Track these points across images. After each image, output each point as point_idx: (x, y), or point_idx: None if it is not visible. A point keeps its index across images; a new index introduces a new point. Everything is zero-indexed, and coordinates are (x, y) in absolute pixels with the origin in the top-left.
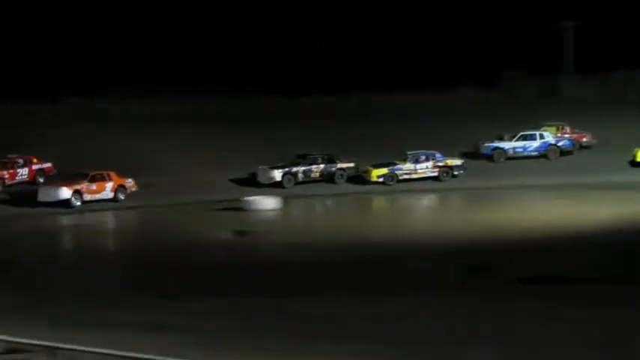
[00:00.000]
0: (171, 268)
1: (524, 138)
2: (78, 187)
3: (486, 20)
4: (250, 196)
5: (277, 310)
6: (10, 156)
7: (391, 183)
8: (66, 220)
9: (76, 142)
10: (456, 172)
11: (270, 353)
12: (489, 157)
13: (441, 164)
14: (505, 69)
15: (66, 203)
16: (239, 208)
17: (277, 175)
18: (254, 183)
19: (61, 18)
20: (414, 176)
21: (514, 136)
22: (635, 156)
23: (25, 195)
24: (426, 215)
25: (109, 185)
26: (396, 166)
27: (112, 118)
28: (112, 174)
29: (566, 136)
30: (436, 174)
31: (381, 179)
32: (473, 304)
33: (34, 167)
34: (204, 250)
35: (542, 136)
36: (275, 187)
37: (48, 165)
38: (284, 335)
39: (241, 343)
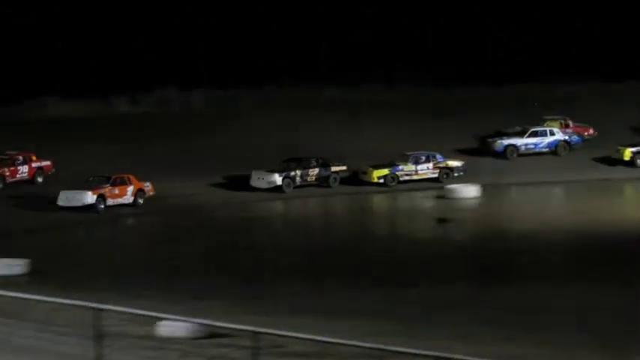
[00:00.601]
0: (372, 255)
1: (535, 134)
2: (102, 191)
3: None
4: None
5: (472, 299)
6: (9, 152)
7: (392, 184)
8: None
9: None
10: (456, 174)
11: (469, 341)
12: (500, 154)
13: (441, 165)
14: None
15: (90, 208)
16: (441, 196)
17: (278, 179)
18: (248, 187)
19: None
20: (415, 177)
21: (521, 132)
22: (622, 154)
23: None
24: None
25: (130, 189)
26: (397, 167)
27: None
28: (132, 177)
29: (569, 130)
30: (436, 175)
31: (381, 180)
32: None
33: (34, 165)
34: (406, 238)
35: (552, 133)
36: (273, 191)
37: (47, 163)
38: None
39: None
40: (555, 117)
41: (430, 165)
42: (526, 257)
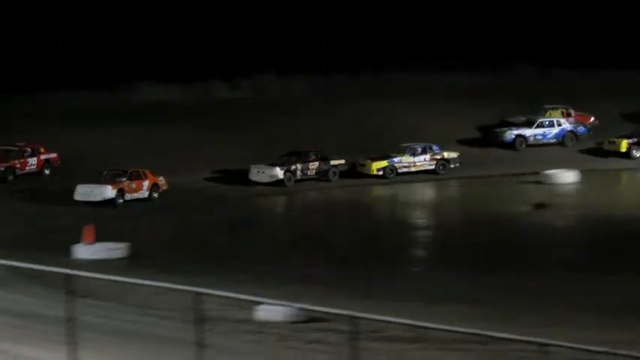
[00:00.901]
0: (469, 241)
1: (542, 125)
2: (121, 185)
3: None
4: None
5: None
6: (18, 144)
7: (391, 176)
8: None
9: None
10: (452, 165)
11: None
12: (509, 145)
13: (438, 157)
14: None
15: (109, 203)
16: (539, 182)
17: (280, 173)
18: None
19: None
20: (413, 169)
21: (528, 122)
22: (619, 146)
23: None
24: None
25: (146, 184)
26: (395, 159)
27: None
28: (147, 172)
29: (570, 119)
30: (433, 167)
31: (380, 172)
32: None
33: (42, 157)
34: (504, 224)
35: (559, 123)
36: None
37: (54, 155)
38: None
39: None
40: (557, 106)
41: (427, 156)
42: (624, 245)
